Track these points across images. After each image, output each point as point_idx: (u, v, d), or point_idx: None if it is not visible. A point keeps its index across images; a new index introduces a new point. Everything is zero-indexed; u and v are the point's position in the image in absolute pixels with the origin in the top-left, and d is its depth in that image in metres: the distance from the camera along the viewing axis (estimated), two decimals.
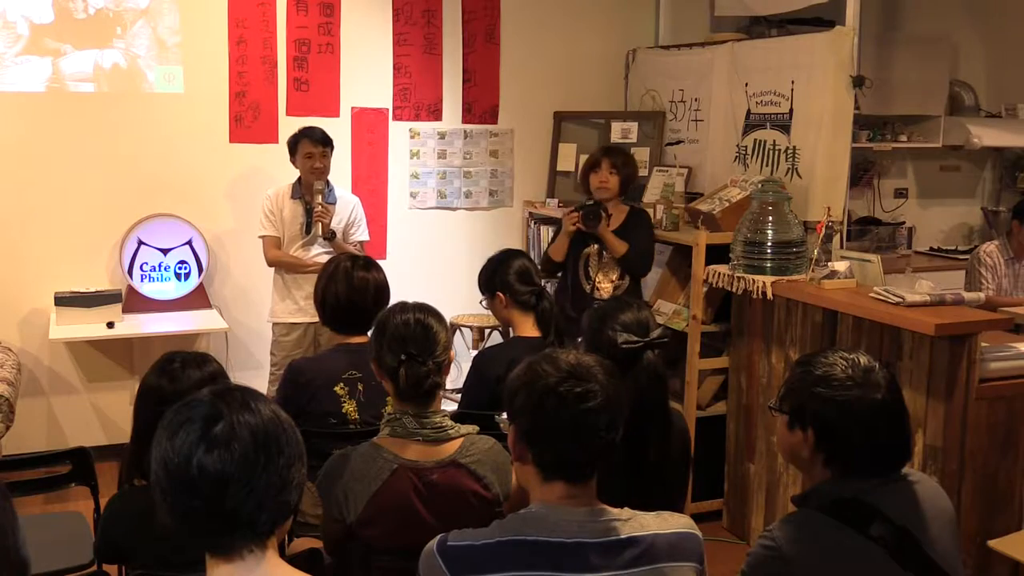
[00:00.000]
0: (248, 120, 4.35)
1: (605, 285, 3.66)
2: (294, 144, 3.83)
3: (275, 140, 4.36)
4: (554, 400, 1.39)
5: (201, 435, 1.13)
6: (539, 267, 2.92)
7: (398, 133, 4.65)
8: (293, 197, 3.88)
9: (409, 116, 4.65)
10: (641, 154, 4.62)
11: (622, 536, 1.40)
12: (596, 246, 3.65)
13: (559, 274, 3.78)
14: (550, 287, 3.58)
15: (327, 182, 3.87)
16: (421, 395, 1.85)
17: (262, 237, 3.89)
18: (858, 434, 1.57)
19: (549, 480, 1.42)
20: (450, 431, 1.87)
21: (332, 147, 3.86)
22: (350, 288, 2.46)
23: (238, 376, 4.22)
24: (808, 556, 1.52)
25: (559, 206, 3.86)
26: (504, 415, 1.61)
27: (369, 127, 4.59)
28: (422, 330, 1.88)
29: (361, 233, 3.99)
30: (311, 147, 3.79)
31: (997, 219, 5.19)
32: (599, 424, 1.39)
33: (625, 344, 1.91)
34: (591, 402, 1.38)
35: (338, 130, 4.18)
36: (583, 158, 4.13)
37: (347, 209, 3.94)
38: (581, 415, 1.38)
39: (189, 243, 4.24)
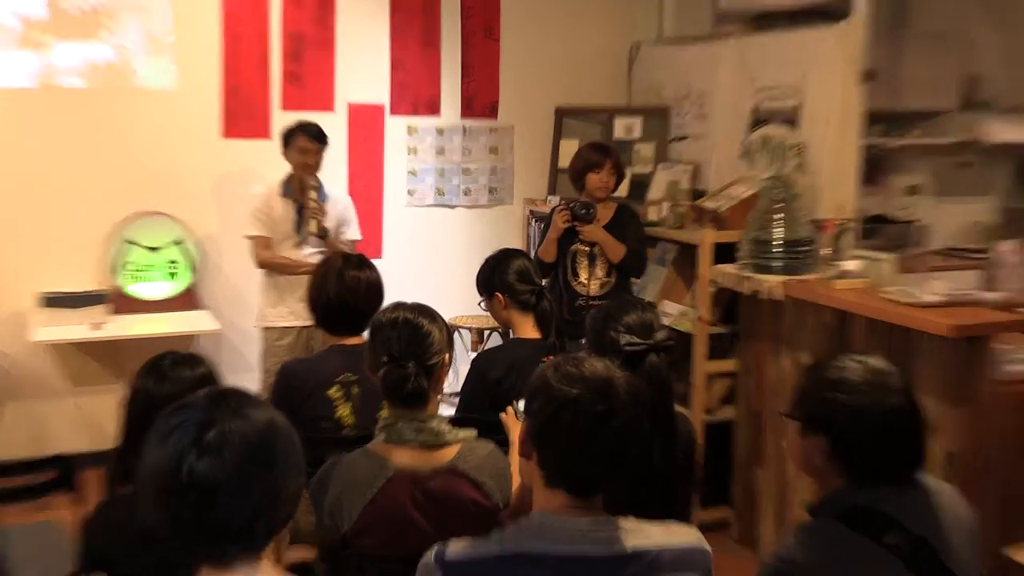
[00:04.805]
0: (241, 115, 4.33)
1: (593, 283, 3.65)
2: (289, 136, 3.81)
3: (268, 136, 4.34)
4: (571, 413, 1.37)
5: (193, 440, 1.12)
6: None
7: (395, 129, 4.63)
8: (283, 195, 3.86)
9: (406, 111, 4.63)
10: (646, 150, 4.60)
11: (626, 548, 1.39)
12: (583, 244, 3.65)
13: (551, 275, 3.78)
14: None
15: (318, 179, 3.85)
16: (403, 399, 1.84)
17: (251, 237, 3.86)
18: (873, 440, 1.55)
19: (552, 487, 1.41)
20: (447, 436, 1.85)
21: (327, 145, 3.85)
22: (341, 287, 2.45)
23: (230, 380, 4.19)
24: (823, 566, 1.50)
25: (560, 203, 3.85)
26: (521, 403, 1.59)
27: (365, 123, 4.57)
28: (409, 331, 1.86)
29: (353, 232, 3.98)
30: (307, 142, 3.78)
31: (1014, 217, 5.17)
32: (612, 445, 1.37)
33: (628, 346, 1.89)
34: (609, 422, 1.36)
35: (333, 126, 4.16)
36: None
37: (338, 208, 3.93)
38: (595, 434, 1.37)
39: (179, 242, 4.22)
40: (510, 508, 1.88)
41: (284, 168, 3.92)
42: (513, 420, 2.13)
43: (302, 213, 3.80)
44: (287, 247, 3.86)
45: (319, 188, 3.83)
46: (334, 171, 4.18)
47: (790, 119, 3.79)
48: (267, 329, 3.90)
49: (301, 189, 3.81)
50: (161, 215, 4.20)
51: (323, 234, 3.79)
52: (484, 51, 4.74)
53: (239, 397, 1.18)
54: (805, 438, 1.61)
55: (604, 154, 3.68)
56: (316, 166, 3.82)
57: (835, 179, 3.56)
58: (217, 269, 4.38)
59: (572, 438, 1.37)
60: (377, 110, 4.58)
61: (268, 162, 4.25)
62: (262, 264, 3.88)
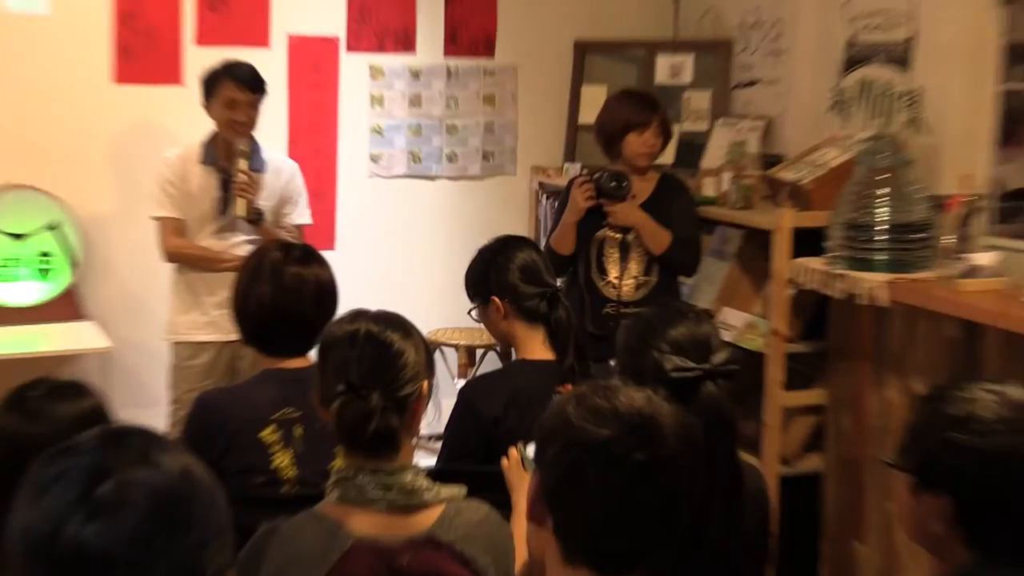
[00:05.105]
0: (140, 52, 4.34)
1: (627, 282, 3.66)
2: (212, 84, 3.81)
3: (178, 81, 4.36)
4: (599, 463, 1.37)
5: (80, 497, 1.11)
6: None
7: (353, 71, 4.64)
8: (204, 162, 3.86)
9: (369, 47, 4.64)
10: (699, 100, 4.61)
11: None
12: (612, 231, 3.67)
13: (569, 272, 3.81)
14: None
15: (253, 141, 3.87)
16: (364, 444, 1.85)
17: (158, 219, 3.87)
18: (1013, 500, 1.56)
19: (572, 563, 1.42)
20: (426, 495, 1.86)
21: (265, 94, 3.86)
22: (280, 289, 2.45)
23: (125, 417, 4.20)
24: None
25: (581, 172, 3.85)
26: (531, 449, 1.61)
27: (312, 63, 4.58)
28: (374, 349, 1.87)
29: (300, 214, 3.98)
30: (236, 91, 3.78)
31: None
32: (655, 508, 1.38)
33: (676, 372, 1.90)
34: (651, 476, 1.37)
35: (269, 67, 4.17)
36: None
37: (281, 180, 3.94)
38: (632, 492, 1.37)
39: (55, 226, 4.23)
40: None
41: (201, 125, 3.93)
42: (518, 472, 2.13)
43: (229, 187, 3.80)
44: (207, 233, 3.87)
45: (253, 153, 3.83)
46: (269, 130, 4.19)
47: (899, 57, 3.79)
48: (177, 344, 3.91)
49: (228, 155, 3.82)
50: (29, 189, 4.21)
51: (255, 217, 3.79)
52: None
53: (143, 439, 1.19)
54: (919, 497, 1.62)
55: (649, 108, 3.69)
56: (249, 124, 3.83)
57: (962, 139, 3.57)
58: (107, 265, 4.39)
59: (600, 497, 1.38)
60: (328, 45, 4.59)
61: (180, 116, 4.26)
62: (172, 255, 3.89)
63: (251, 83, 3.81)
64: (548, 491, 1.42)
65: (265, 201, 3.85)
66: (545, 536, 1.44)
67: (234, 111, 3.78)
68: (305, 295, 2.46)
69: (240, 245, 3.81)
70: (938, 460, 1.60)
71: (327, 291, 2.51)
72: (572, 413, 1.42)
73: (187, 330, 3.89)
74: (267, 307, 2.46)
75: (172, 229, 3.86)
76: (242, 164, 3.77)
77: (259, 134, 3.94)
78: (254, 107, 3.83)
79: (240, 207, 3.76)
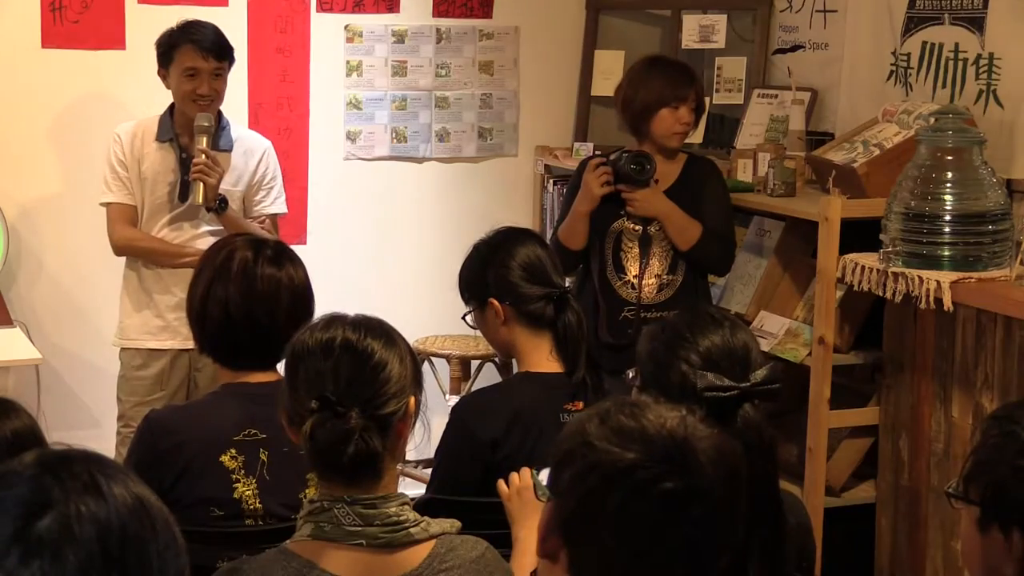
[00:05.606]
0: (75, 11, 4.33)
1: (648, 282, 3.68)
2: (169, 50, 3.81)
3: (120, 45, 4.35)
4: (625, 490, 1.38)
5: (15, 534, 1.11)
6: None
7: (326, 33, 4.63)
8: (161, 139, 3.87)
9: (345, 5, 4.63)
10: (733, 68, 4.61)
11: None
12: (632, 222, 3.69)
13: (580, 270, 3.82)
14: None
15: (219, 117, 3.88)
16: (343, 470, 1.85)
17: (106, 205, 3.89)
18: None
19: None
20: (413, 530, 1.87)
21: (231, 61, 3.86)
22: (251, 294, 2.45)
23: (57, 438, 4.20)
24: None
25: (595, 154, 3.84)
26: (544, 474, 1.61)
27: (278, 23, 4.57)
28: (352, 360, 1.88)
29: (273, 202, 3.99)
30: (197, 58, 3.77)
31: None
32: (688, 545, 1.39)
33: (709, 392, 1.90)
34: (684, 508, 1.38)
35: (227, 27, 4.16)
36: None
37: (250, 161, 3.95)
38: (662, 526, 1.38)
39: None
40: None
41: (152, 99, 3.93)
42: (520, 502, 2.14)
43: (189, 170, 3.77)
44: (164, 223, 3.88)
45: (219, 131, 3.84)
46: (226, 104, 4.17)
47: (971, 16, 3.78)
48: (126, 351, 3.92)
49: (189, 132, 3.83)
50: None
51: (217, 206, 3.78)
52: None
53: (89, 464, 1.18)
54: (987, 533, 1.62)
55: (687, 80, 3.70)
56: (215, 96, 3.82)
57: None
58: (37, 262, 4.39)
59: (623, 530, 1.39)
60: (297, 2, 4.58)
61: (124, 86, 4.26)
62: (123, 248, 3.90)
63: (215, 49, 3.80)
64: (563, 522, 1.43)
65: (232, 186, 3.86)
66: (558, 574, 1.45)
67: (195, 82, 3.78)
68: (280, 302, 2.46)
69: (202, 237, 3.81)
70: (1009, 491, 1.60)
71: (301, 296, 2.51)
72: (593, 433, 1.42)
73: (137, 335, 3.89)
74: (234, 314, 2.45)
75: (123, 217, 3.87)
76: (203, 142, 3.77)
77: (223, 107, 3.93)
78: (220, 77, 3.82)
79: (198, 193, 3.76)
